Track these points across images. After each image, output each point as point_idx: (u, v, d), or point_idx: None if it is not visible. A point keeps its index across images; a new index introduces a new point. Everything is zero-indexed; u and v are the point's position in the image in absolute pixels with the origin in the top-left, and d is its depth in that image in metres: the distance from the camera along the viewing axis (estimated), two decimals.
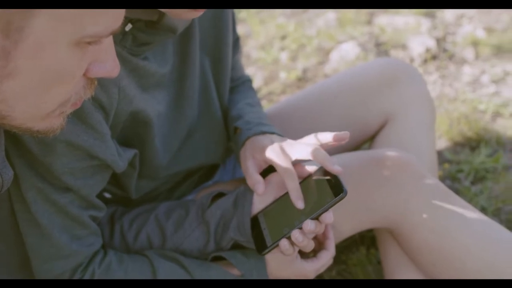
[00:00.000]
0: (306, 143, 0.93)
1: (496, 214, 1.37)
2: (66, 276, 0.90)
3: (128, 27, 0.81)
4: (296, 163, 0.95)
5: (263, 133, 1.00)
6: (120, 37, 0.81)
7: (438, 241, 0.99)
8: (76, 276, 0.90)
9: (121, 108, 0.85)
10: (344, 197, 0.85)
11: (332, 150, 1.18)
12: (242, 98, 1.15)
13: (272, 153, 0.94)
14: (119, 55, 0.79)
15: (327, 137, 0.92)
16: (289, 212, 0.91)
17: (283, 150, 0.93)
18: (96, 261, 0.92)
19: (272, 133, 1.00)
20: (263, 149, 0.96)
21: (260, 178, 0.96)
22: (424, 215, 0.99)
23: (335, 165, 0.88)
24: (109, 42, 0.61)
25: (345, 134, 0.91)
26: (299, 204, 0.90)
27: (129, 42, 0.82)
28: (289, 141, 0.95)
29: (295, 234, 0.87)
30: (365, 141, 1.26)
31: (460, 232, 0.98)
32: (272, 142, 0.96)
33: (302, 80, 1.99)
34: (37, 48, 0.54)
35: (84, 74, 0.61)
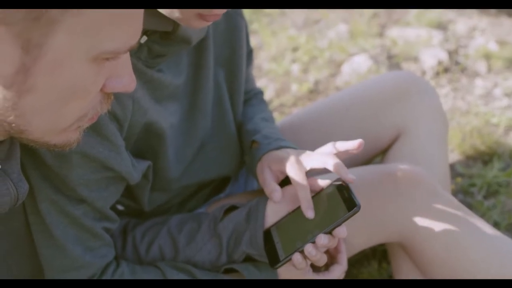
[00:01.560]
0: (321, 153, 0.94)
1: (509, 229, 1.36)
2: None
3: (143, 39, 0.81)
4: (310, 177, 0.95)
5: (281, 147, 1.00)
6: (135, 49, 0.81)
7: (448, 255, 0.99)
8: None
9: (135, 120, 0.85)
10: (357, 211, 0.85)
11: (344, 163, 1.18)
12: (256, 112, 1.15)
13: (287, 164, 0.95)
14: (134, 66, 0.80)
15: (345, 145, 0.93)
16: (302, 225, 0.91)
17: (298, 161, 0.94)
18: (109, 272, 0.92)
19: (289, 147, 1.01)
20: (279, 160, 0.97)
21: (277, 186, 0.97)
22: (436, 229, 0.99)
23: (349, 173, 0.89)
24: (126, 57, 0.62)
25: (360, 142, 0.92)
26: (309, 213, 0.91)
27: (144, 54, 0.83)
28: (305, 152, 0.96)
29: (308, 248, 0.87)
30: (377, 154, 1.26)
31: (471, 246, 0.98)
32: (288, 154, 0.96)
33: (313, 92, 1.99)
34: (55, 65, 0.54)
35: (101, 90, 0.62)
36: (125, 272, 0.93)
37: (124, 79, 0.62)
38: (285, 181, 0.98)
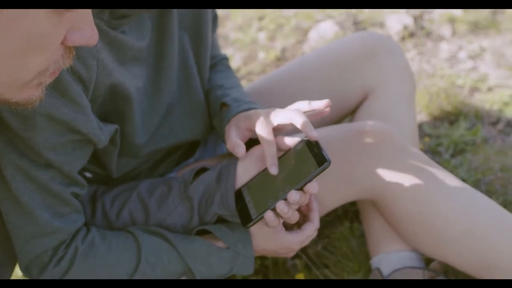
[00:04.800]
0: (289, 109, 0.93)
1: (476, 185, 1.39)
2: (48, 255, 0.88)
3: None
4: (280, 135, 0.95)
5: (251, 109, 0.99)
6: (98, 10, 0.79)
7: (418, 210, 1.00)
8: (59, 254, 0.88)
9: (100, 81, 0.83)
10: (327, 166, 0.85)
11: (314, 124, 1.18)
12: (223, 79, 1.14)
13: (255, 120, 0.94)
14: (97, 27, 0.78)
15: (317, 104, 0.92)
16: (273, 184, 0.91)
17: (265, 117, 0.93)
18: (79, 237, 0.91)
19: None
20: (247, 118, 0.96)
21: (240, 142, 0.95)
22: (405, 185, 1.00)
23: (314, 131, 0.88)
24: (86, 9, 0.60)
25: (327, 101, 0.91)
26: (273, 170, 0.90)
27: (107, 15, 0.81)
28: (275, 109, 0.95)
29: (280, 205, 0.86)
30: (347, 115, 1.27)
31: (440, 201, 0.99)
32: (256, 112, 0.96)
33: (281, 59, 1.98)
34: (13, 14, 0.52)
35: (62, 42, 0.60)
36: (95, 237, 0.92)
37: (86, 31, 0.60)
38: (256, 142, 0.98)
